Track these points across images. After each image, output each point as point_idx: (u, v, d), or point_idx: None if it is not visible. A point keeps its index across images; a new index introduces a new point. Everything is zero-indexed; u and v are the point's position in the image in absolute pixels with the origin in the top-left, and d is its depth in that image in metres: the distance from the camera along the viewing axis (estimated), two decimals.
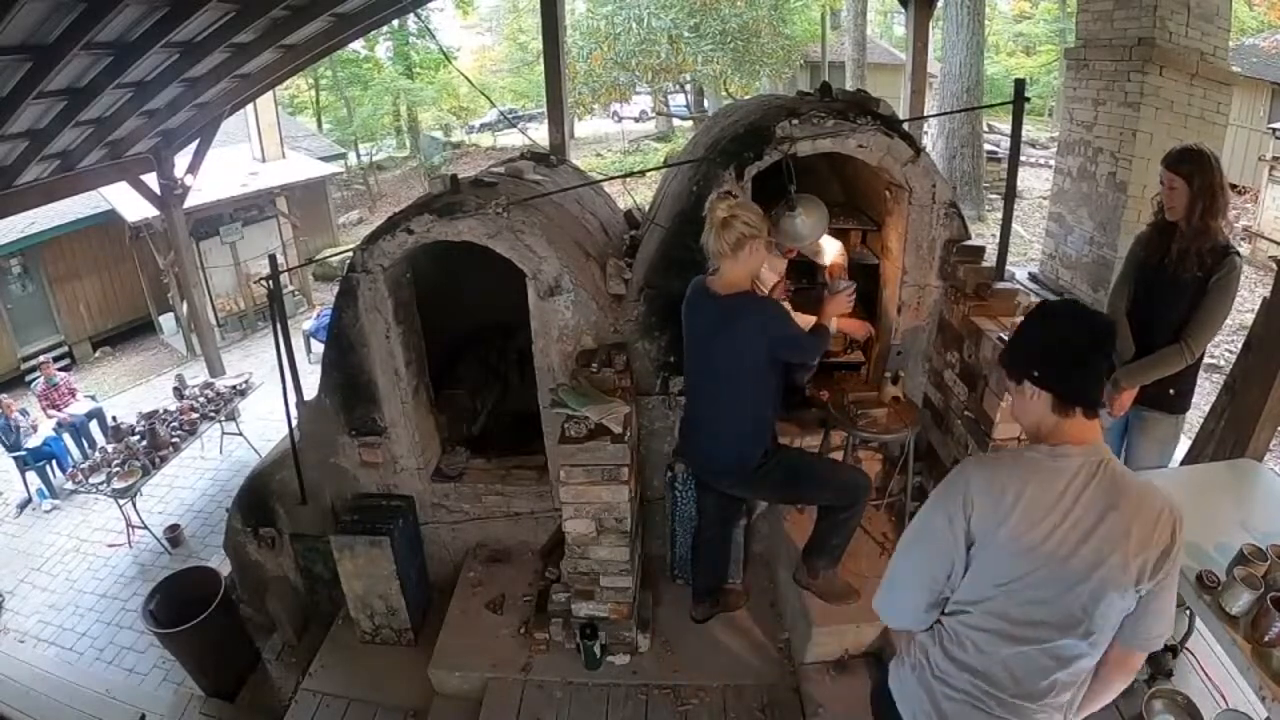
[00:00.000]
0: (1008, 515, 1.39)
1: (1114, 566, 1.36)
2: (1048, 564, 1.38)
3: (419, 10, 11.00)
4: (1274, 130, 11.01)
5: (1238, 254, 2.62)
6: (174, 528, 5.89)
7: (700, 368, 2.81)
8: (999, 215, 5.46)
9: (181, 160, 7.82)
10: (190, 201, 8.45)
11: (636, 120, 22.54)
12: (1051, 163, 7.99)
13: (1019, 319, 1.59)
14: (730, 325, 2.56)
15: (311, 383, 3.70)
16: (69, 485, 6.12)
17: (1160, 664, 2.73)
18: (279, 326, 3.46)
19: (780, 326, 2.57)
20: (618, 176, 7.60)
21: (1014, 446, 1.53)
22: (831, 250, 3.57)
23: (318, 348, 8.49)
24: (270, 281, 3.39)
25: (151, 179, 7.66)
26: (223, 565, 4.30)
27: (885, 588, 1.60)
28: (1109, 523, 1.37)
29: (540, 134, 7.83)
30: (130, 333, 11.47)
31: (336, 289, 3.46)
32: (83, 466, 5.89)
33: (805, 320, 2.91)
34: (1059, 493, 1.39)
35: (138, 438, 6.09)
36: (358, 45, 16.78)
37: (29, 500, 6.64)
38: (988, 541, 1.42)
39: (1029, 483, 1.40)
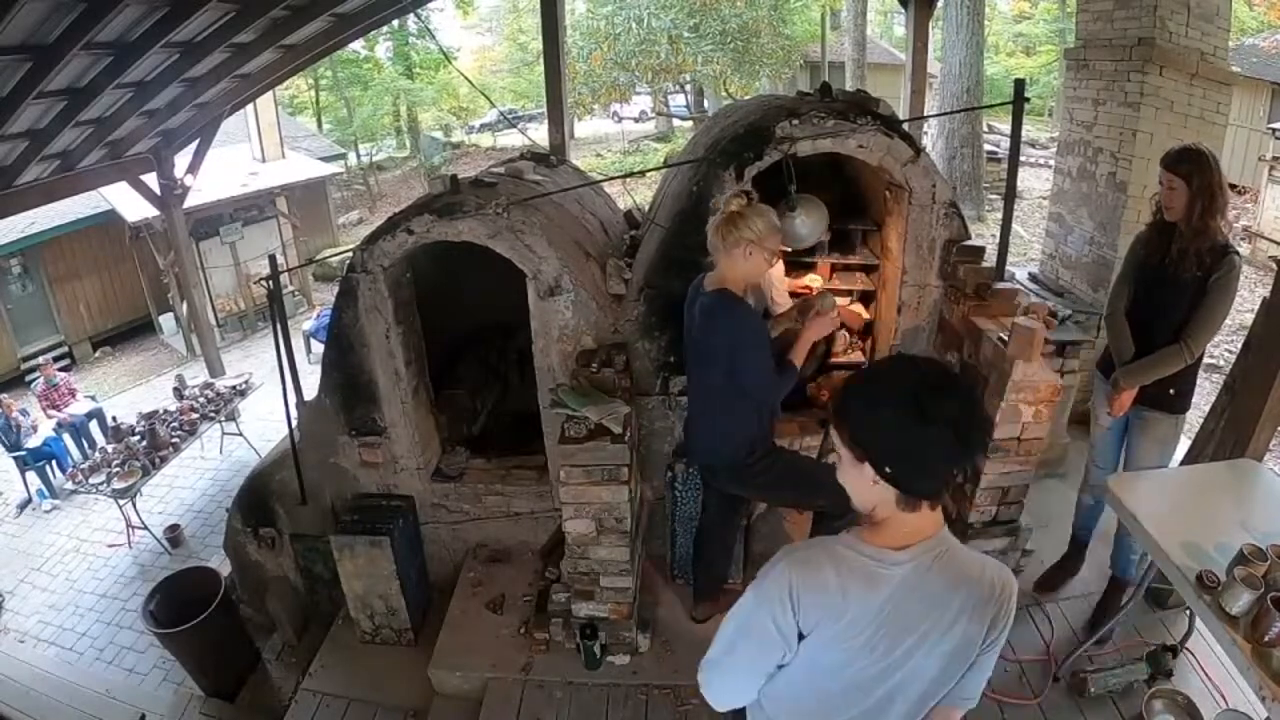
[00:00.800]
0: (835, 617, 1.32)
1: (937, 654, 1.33)
2: (868, 655, 1.33)
3: (419, 10, 11.00)
4: (1274, 130, 11.02)
5: (1237, 254, 2.62)
6: (174, 528, 5.89)
7: (689, 363, 2.83)
8: (999, 215, 5.46)
9: (181, 160, 7.82)
10: (190, 201, 8.45)
11: (636, 120, 22.56)
12: (1051, 163, 7.98)
13: (867, 376, 1.36)
14: (704, 321, 2.55)
15: (311, 383, 3.70)
16: (69, 485, 6.12)
17: (1160, 664, 2.73)
18: (279, 326, 3.46)
19: (741, 340, 2.45)
20: (618, 176, 7.62)
21: (840, 539, 1.37)
22: (777, 280, 3.51)
23: (318, 348, 8.49)
24: (270, 281, 3.39)
25: (151, 179, 7.66)
26: (223, 565, 4.30)
27: (715, 675, 1.48)
28: (933, 618, 1.31)
29: (540, 134, 7.83)
30: (130, 333, 11.47)
31: (336, 289, 3.46)
32: (83, 466, 5.89)
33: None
34: (884, 599, 1.30)
35: (138, 438, 6.09)
36: (358, 45, 16.79)
37: (29, 500, 6.65)
38: (816, 637, 1.35)
39: (850, 591, 1.31)
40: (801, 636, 1.36)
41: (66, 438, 6.92)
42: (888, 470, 1.24)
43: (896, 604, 1.30)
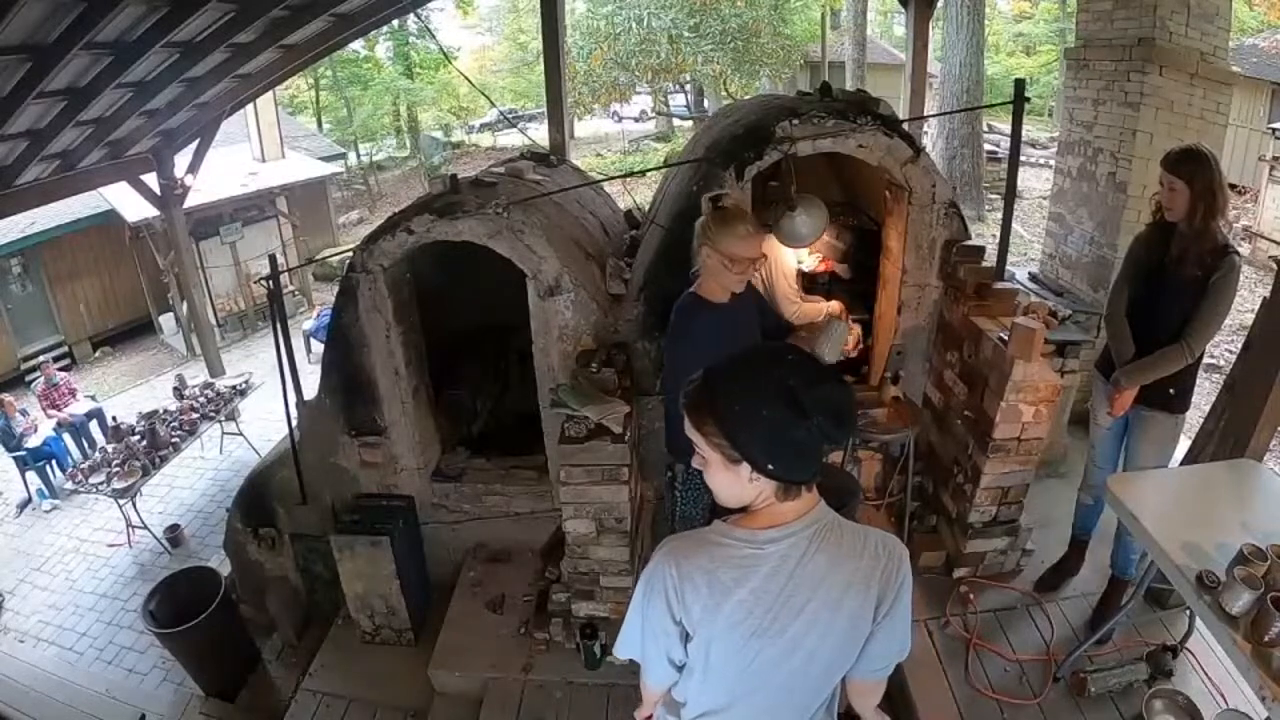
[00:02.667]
0: (716, 605, 1.29)
1: (831, 632, 1.31)
2: (759, 639, 1.30)
3: (419, 10, 10.99)
4: (1274, 130, 11.03)
5: (1237, 254, 2.61)
6: (174, 528, 5.89)
7: None
8: (999, 215, 5.46)
9: (181, 160, 7.82)
10: (190, 201, 8.44)
11: (636, 120, 22.53)
12: (1051, 163, 7.98)
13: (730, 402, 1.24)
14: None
15: (311, 383, 3.70)
16: (69, 485, 6.11)
17: (1160, 664, 2.73)
18: (279, 326, 3.46)
19: (670, 340, 2.47)
20: (618, 176, 7.61)
21: (712, 528, 1.35)
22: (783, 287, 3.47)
23: (318, 348, 8.48)
24: (270, 281, 3.39)
25: (151, 179, 7.66)
26: (223, 565, 4.30)
27: (644, 673, 1.50)
28: (820, 596, 1.28)
29: (540, 134, 7.82)
30: (130, 333, 11.46)
31: (336, 289, 3.46)
32: (83, 466, 5.89)
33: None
34: (763, 578, 1.28)
35: (138, 438, 6.09)
36: (358, 45, 16.78)
37: (29, 500, 6.64)
38: (703, 632, 1.32)
39: (725, 577, 1.29)
40: (688, 638, 1.34)
41: (66, 437, 6.92)
42: (770, 468, 1.22)
43: (778, 584, 1.28)
